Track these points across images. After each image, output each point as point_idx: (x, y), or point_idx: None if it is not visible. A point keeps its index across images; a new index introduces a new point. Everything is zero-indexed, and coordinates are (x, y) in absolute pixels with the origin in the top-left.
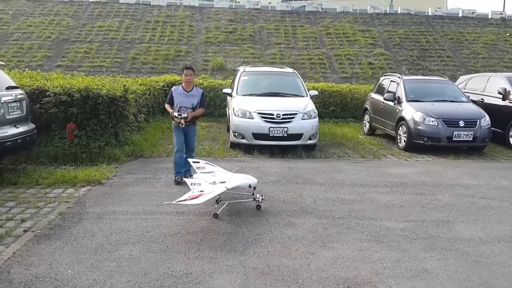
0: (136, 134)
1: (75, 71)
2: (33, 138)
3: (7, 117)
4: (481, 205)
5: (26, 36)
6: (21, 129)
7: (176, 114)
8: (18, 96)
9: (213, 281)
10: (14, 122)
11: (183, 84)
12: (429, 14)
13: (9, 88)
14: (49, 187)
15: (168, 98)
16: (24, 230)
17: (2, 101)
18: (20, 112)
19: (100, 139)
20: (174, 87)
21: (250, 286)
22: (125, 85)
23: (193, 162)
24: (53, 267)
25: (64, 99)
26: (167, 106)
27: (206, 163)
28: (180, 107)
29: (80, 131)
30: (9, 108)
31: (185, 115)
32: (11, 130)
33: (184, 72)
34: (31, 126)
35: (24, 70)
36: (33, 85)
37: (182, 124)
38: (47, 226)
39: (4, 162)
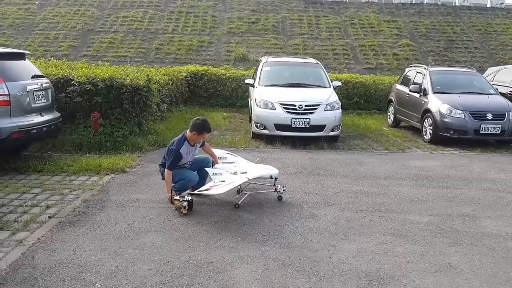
0: (159, 123)
1: (99, 61)
2: (58, 126)
3: (33, 105)
4: (508, 200)
5: (52, 26)
6: (47, 117)
7: (177, 197)
8: (44, 85)
9: (234, 270)
10: (40, 111)
11: (188, 140)
12: (456, 4)
13: (35, 77)
14: (73, 174)
15: (172, 162)
16: (49, 217)
17: (27, 90)
18: (45, 100)
19: (124, 128)
20: (181, 147)
21: (271, 276)
22: (148, 75)
23: (215, 152)
24: (77, 253)
25: (88, 88)
26: (168, 175)
27: (228, 153)
28: (185, 163)
29: (104, 120)
30: (35, 97)
31: (190, 198)
32: (37, 118)
33: (204, 135)
34: (56, 114)
35: (50, 60)
36: (58, 74)
37: (184, 208)
38: (72, 213)
39: (30, 150)
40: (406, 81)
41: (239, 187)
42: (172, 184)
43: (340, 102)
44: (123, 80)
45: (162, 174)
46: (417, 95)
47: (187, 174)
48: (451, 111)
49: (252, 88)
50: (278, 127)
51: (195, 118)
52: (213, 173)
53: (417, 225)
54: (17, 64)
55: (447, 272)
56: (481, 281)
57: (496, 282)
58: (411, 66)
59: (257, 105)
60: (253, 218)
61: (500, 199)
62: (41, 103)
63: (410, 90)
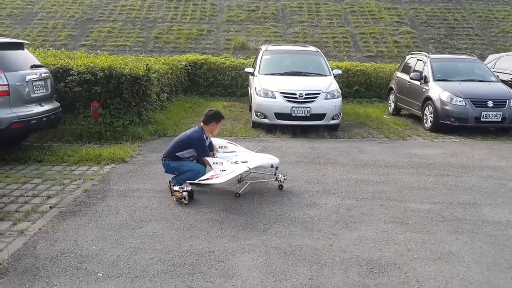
0: (159, 113)
1: (98, 50)
2: (58, 116)
3: (32, 95)
4: (509, 188)
5: (50, 16)
6: (46, 107)
7: (177, 188)
8: (43, 75)
9: (235, 259)
10: (39, 101)
11: (205, 132)
12: None
13: (34, 66)
14: (74, 164)
15: (204, 149)
16: (50, 207)
17: (27, 80)
18: (44, 90)
19: (123, 118)
20: (203, 136)
21: (272, 265)
22: (147, 64)
23: (215, 141)
24: (78, 243)
25: (88, 78)
26: (207, 160)
27: (229, 142)
28: (193, 155)
29: (104, 109)
30: (34, 87)
31: (189, 188)
32: (36, 108)
33: (221, 122)
34: (56, 104)
35: (49, 49)
36: (57, 64)
37: (185, 198)
38: (73, 203)
39: (30, 140)
40: (406, 69)
41: (240, 176)
42: (178, 174)
43: (340, 91)
44: (123, 70)
45: (167, 167)
46: (417, 82)
47: (194, 166)
48: (452, 99)
49: (252, 76)
50: (279, 116)
51: (207, 110)
52: (213, 163)
53: (418, 213)
54: (16, 54)
55: (448, 260)
56: (482, 268)
57: (497, 269)
58: (411, 54)
59: (257, 94)
60: (254, 207)
61: (501, 186)
62: (41, 93)
63: (410, 78)
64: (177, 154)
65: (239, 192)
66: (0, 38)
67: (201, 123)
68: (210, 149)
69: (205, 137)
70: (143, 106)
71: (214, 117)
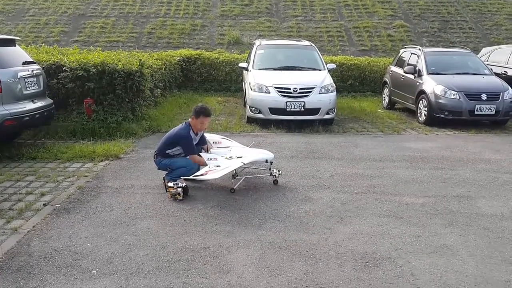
0: (153, 109)
1: (91, 46)
2: (51, 113)
3: (24, 92)
4: (503, 180)
5: (42, 12)
6: (39, 104)
7: (171, 184)
8: (35, 71)
9: (230, 255)
10: (32, 97)
11: (192, 128)
12: None
13: (26, 63)
14: (68, 161)
15: (191, 147)
16: (43, 204)
17: (19, 76)
18: (37, 87)
19: (117, 114)
20: (189, 134)
21: (267, 260)
22: (140, 60)
23: (210, 137)
24: (72, 240)
25: (80, 74)
26: (198, 158)
27: (223, 138)
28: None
29: (98, 106)
30: (26, 83)
31: (184, 184)
32: (29, 105)
33: (205, 120)
34: (49, 101)
35: (41, 46)
36: (49, 60)
37: (179, 194)
38: (66, 200)
39: (23, 137)
40: (400, 63)
41: (234, 171)
42: (171, 171)
43: (334, 85)
44: (115, 65)
45: (159, 164)
46: (411, 76)
47: (187, 162)
48: (445, 92)
49: (246, 71)
50: (273, 111)
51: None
52: (208, 158)
53: (412, 206)
54: (7, 50)
55: (443, 253)
56: (476, 261)
57: (491, 262)
58: (405, 47)
59: (251, 89)
60: (249, 202)
61: (495, 179)
62: (33, 89)
63: (404, 72)
64: (167, 151)
65: (234, 187)
66: None
67: (189, 119)
68: (202, 144)
69: (192, 134)
70: (137, 102)
71: (194, 112)
